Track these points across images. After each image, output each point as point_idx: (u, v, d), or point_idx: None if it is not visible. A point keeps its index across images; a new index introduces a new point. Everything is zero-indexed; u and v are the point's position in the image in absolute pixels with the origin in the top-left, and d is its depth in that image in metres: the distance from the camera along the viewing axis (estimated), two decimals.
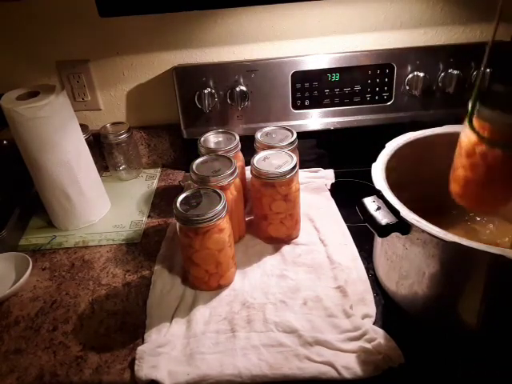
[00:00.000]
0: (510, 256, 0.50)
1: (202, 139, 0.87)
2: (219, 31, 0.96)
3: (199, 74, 0.95)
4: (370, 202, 0.61)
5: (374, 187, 0.63)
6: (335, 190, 0.95)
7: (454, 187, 0.62)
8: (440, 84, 0.95)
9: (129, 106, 1.05)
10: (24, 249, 0.85)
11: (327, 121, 1.00)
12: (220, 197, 0.69)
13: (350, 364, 0.59)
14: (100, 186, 0.93)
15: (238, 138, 0.87)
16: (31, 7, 0.92)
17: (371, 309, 0.67)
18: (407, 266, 0.63)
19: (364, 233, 0.69)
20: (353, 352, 0.61)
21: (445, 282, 0.60)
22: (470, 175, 0.59)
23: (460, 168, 0.60)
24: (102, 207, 0.94)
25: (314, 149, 1.03)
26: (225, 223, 0.69)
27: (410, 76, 0.94)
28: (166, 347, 0.63)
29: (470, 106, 0.57)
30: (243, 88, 0.95)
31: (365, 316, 0.66)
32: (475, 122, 0.56)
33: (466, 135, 0.58)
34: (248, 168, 0.82)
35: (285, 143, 0.84)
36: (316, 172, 1.00)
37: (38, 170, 0.83)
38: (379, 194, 0.62)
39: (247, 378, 0.59)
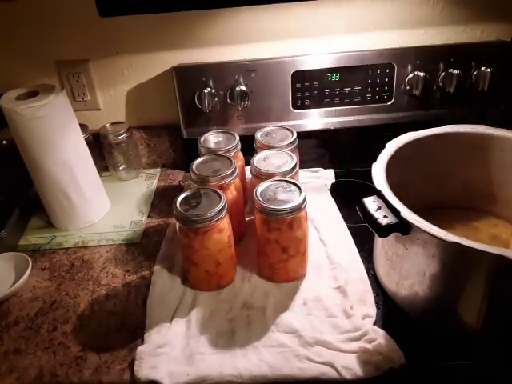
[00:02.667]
0: (511, 256, 0.50)
1: (202, 139, 0.87)
2: (219, 31, 0.96)
3: (199, 73, 0.95)
4: (371, 202, 0.61)
5: (374, 187, 0.63)
6: (335, 190, 0.95)
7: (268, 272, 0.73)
8: (440, 84, 0.95)
9: (128, 106, 1.05)
10: (23, 249, 0.85)
11: (327, 121, 1.00)
12: (220, 197, 0.69)
13: (350, 364, 0.59)
14: (100, 185, 0.93)
15: (237, 138, 0.86)
16: (31, 7, 0.92)
17: (371, 309, 0.67)
18: (407, 266, 0.63)
19: (364, 233, 0.69)
20: (353, 352, 0.61)
21: (445, 283, 0.60)
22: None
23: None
24: (101, 207, 0.94)
25: (314, 149, 1.03)
26: (225, 223, 0.69)
27: (411, 76, 0.94)
28: (165, 347, 0.63)
29: None
30: (243, 88, 0.95)
31: (365, 316, 0.66)
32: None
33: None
34: (248, 168, 0.82)
35: (285, 143, 0.84)
36: (316, 172, 1.00)
37: (37, 170, 0.82)
38: (379, 194, 0.62)
39: (247, 379, 0.59)
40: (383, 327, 0.64)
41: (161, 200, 0.97)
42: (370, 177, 0.65)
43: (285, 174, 0.76)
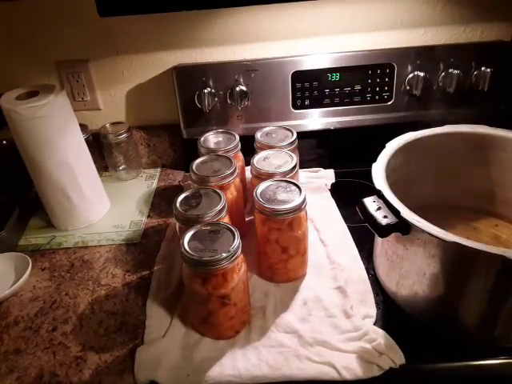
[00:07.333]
0: (511, 256, 0.50)
1: (202, 139, 0.87)
2: (219, 31, 0.96)
3: (199, 73, 0.95)
4: (371, 202, 0.61)
5: (375, 187, 0.63)
6: (335, 190, 0.95)
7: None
8: (440, 84, 0.95)
9: (128, 106, 1.05)
10: (23, 249, 0.85)
11: (327, 121, 1.00)
12: (220, 197, 0.69)
13: (350, 364, 0.59)
14: (100, 185, 0.93)
15: (237, 138, 0.86)
16: (31, 7, 0.92)
17: (371, 309, 0.67)
18: (407, 266, 0.63)
19: (364, 233, 0.69)
20: (353, 352, 0.60)
21: (445, 282, 0.60)
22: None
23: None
24: (101, 207, 0.93)
25: (314, 149, 1.03)
26: None
27: (411, 76, 0.94)
28: (165, 348, 0.63)
29: None
30: (243, 88, 0.95)
31: (365, 316, 0.66)
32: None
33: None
34: (248, 168, 0.82)
35: (285, 143, 0.84)
36: (316, 172, 1.00)
37: (37, 170, 0.82)
38: (379, 194, 0.62)
39: (247, 379, 0.59)
40: (383, 327, 0.64)
41: (161, 200, 0.97)
42: (370, 177, 0.65)
43: (285, 173, 0.76)
